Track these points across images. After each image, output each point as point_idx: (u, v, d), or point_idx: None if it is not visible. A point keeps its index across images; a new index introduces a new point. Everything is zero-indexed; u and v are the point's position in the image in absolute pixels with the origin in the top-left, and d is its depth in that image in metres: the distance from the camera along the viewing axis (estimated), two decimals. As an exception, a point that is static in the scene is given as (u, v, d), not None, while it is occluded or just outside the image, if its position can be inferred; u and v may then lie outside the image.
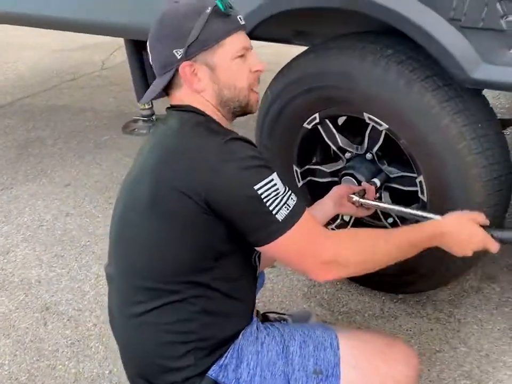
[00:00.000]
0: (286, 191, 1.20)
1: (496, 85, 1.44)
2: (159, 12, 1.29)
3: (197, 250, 1.23)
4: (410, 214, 1.60)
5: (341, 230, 1.25)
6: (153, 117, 3.51)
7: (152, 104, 3.44)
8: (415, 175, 1.74)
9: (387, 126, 1.70)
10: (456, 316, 1.93)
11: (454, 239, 1.33)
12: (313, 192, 2.06)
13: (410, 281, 1.93)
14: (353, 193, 1.68)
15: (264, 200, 1.16)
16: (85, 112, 4.33)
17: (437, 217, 1.43)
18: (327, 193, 1.90)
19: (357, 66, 1.68)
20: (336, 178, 1.95)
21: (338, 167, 1.94)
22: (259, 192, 1.16)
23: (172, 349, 1.26)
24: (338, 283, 2.17)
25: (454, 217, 1.36)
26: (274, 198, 1.17)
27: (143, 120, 3.53)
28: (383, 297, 2.05)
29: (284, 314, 1.94)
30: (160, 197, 1.22)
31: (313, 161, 2.06)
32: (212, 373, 1.26)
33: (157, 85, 1.32)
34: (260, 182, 1.16)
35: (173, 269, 1.24)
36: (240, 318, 1.34)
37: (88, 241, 2.66)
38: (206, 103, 1.29)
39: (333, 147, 1.92)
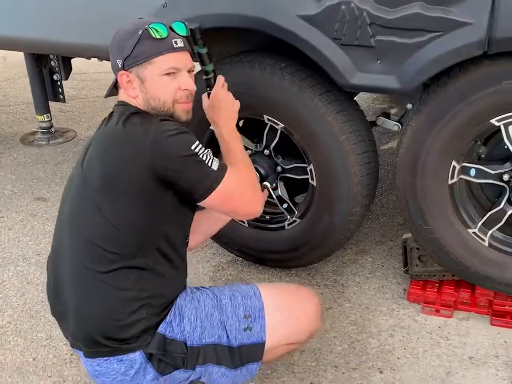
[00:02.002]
0: (209, 150, 1.48)
1: (368, 88, 1.91)
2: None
3: (148, 218, 1.46)
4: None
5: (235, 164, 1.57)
6: (52, 129, 3.59)
7: (50, 117, 3.52)
8: (305, 165, 2.14)
9: (283, 125, 2.09)
10: (340, 282, 2.36)
11: (222, 112, 1.67)
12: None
13: (300, 255, 2.31)
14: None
15: (200, 155, 1.43)
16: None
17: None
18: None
19: (257, 76, 2.05)
20: (238, 173, 2.29)
21: (241, 163, 2.28)
22: (195, 150, 1.43)
23: (128, 304, 1.46)
24: (239, 266, 2.49)
25: (208, 113, 1.69)
26: (206, 154, 1.45)
27: (42, 132, 3.59)
28: (280, 273, 2.41)
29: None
30: (113, 175, 1.44)
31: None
32: (160, 329, 1.50)
33: (110, 84, 1.58)
34: (194, 143, 1.44)
35: (127, 236, 1.45)
36: (180, 282, 1.60)
37: (-14, 250, 2.69)
38: (140, 106, 1.54)
39: (236, 146, 2.27)
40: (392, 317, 2.14)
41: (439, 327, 2.07)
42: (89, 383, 1.88)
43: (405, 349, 1.98)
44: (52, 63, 3.04)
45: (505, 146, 1.84)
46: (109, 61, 2.01)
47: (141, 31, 1.48)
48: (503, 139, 1.83)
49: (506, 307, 2.04)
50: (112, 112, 1.58)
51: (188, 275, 1.67)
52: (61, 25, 2.28)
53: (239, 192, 1.52)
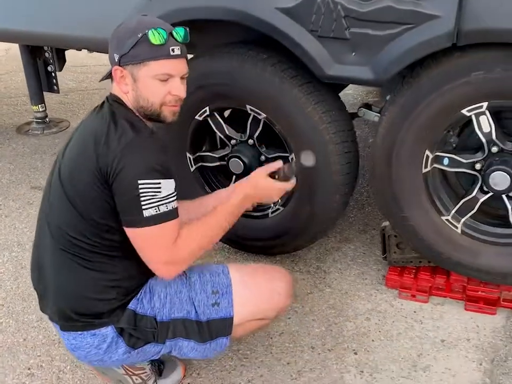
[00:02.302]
0: (165, 199, 1.47)
1: (345, 79, 1.97)
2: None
3: (106, 214, 1.51)
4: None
5: (185, 230, 1.55)
6: (47, 119, 3.69)
7: (45, 107, 3.62)
8: (287, 154, 2.21)
9: (265, 115, 2.15)
10: (322, 268, 2.43)
11: (256, 196, 1.70)
12: (203, 176, 2.46)
13: (283, 242, 2.38)
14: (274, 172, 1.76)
15: (140, 194, 1.44)
16: None
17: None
18: (215, 176, 2.35)
19: (240, 67, 2.12)
20: (224, 162, 2.36)
21: (226, 152, 2.35)
22: (140, 186, 1.44)
23: (98, 285, 1.56)
24: (226, 253, 2.56)
25: (250, 180, 1.71)
26: (150, 197, 1.45)
27: (37, 122, 3.70)
28: (265, 260, 2.48)
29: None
30: (78, 167, 1.52)
31: (203, 149, 2.45)
32: (131, 305, 1.59)
33: (106, 72, 1.63)
34: (145, 180, 1.44)
35: (92, 227, 1.52)
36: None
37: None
38: (129, 102, 1.59)
39: (221, 135, 2.34)
40: (370, 301, 2.21)
41: (414, 312, 2.14)
42: (76, 361, 1.96)
43: (379, 331, 2.05)
44: (46, 54, 3.13)
45: (477, 136, 1.90)
46: (98, 52, 2.09)
47: (140, 34, 1.49)
48: (474, 129, 1.88)
49: (479, 292, 2.10)
50: (103, 102, 1.62)
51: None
52: (51, 18, 2.36)
53: (150, 250, 1.52)
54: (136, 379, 1.75)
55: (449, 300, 2.17)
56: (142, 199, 1.44)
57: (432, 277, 2.19)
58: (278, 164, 1.74)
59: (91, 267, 1.55)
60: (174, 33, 1.55)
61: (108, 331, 1.56)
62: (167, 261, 1.53)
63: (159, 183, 1.46)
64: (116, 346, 1.57)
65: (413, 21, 1.73)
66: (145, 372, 1.77)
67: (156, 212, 1.46)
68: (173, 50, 1.53)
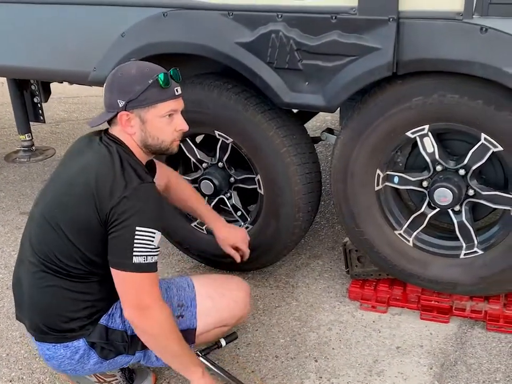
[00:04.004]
0: (155, 250, 1.59)
1: (300, 106, 2.14)
2: (118, 66, 1.72)
3: (97, 245, 1.63)
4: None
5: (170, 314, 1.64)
6: (33, 148, 3.88)
7: (31, 136, 3.80)
8: (254, 175, 2.37)
9: (232, 140, 2.32)
10: (291, 283, 2.57)
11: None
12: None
13: (253, 259, 2.47)
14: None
15: (135, 240, 1.55)
16: None
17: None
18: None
19: (207, 96, 2.29)
20: (196, 185, 2.52)
21: (198, 175, 2.52)
22: (137, 233, 1.54)
23: (74, 304, 1.68)
24: (201, 271, 2.70)
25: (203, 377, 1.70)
26: (143, 245, 1.55)
27: (24, 150, 3.89)
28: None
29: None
30: (77, 205, 1.61)
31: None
32: (102, 321, 1.72)
33: (103, 117, 1.72)
34: (143, 227, 1.55)
35: (80, 253, 1.64)
36: None
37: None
38: (133, 142, 1.70)
39: (193, 159, 2.50)
40: (333, 313, 2.34)
41: (374, 321, 2.27)
42: (55, 373, 2.08)
43: (340, 340, 2.18)
44: (32, 87, 3.35)
45: (423, 156, 2.06)
46: (77, 84, 2.25)
47: (151, 80, 1.63)
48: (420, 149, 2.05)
49: (432, 302, 2.24)
50: (99, 139, 1.70)
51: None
52: (35, 54, 2.54)
53: (129, 292, 1.61)
54: (109, 386, 1.87)
55: (407, 310, 2.31)
56: (136, 245, 1.55)
57: (390, 289, 2.34)
58: None
59: (69, 288, 1.66)
60: (173, 75, 1.69)
61: (80, 344, 1.68)
62: (137, 305, 1.60)
63: (154, 233, 1.58)
64: (88, 357, 1.70)
65: (356, 53, 1.91)
66: (116, 379, 1.89)
67: (144, 260, 1.57)
68: (176, 90, 1.70)
